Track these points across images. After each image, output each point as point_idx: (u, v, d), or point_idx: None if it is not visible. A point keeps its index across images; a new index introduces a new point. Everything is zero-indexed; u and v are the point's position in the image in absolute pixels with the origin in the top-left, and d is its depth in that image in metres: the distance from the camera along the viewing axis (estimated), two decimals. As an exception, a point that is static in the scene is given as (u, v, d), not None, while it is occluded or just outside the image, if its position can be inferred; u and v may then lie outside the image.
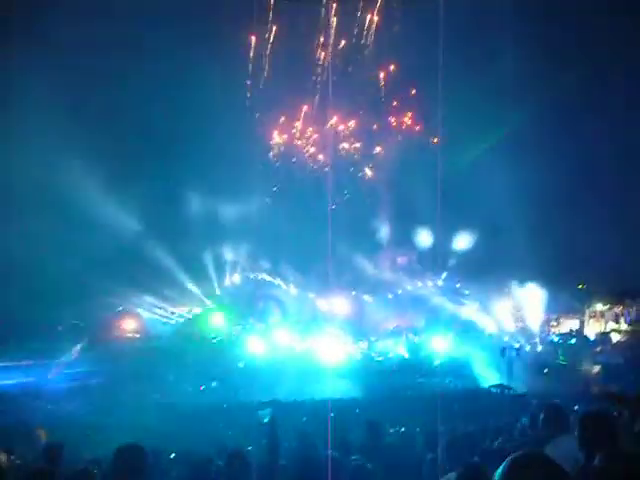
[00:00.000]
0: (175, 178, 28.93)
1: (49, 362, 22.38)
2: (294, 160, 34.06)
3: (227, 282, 31.89)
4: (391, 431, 9.17)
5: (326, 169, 33.58)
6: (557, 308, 27.93)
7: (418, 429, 9.04)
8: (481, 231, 29.69)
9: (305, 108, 33.38)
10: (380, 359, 26.62)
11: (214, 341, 27.20)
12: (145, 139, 27.77)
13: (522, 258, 25.31)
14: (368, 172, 34.42)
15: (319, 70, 32.08)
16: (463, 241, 30.49)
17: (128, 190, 26.11)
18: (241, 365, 24.64)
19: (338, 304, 30.61)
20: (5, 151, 22.52)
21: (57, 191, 23.95)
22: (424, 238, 31.45)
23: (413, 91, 32.99)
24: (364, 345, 28.08)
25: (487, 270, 27.23)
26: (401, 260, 33.14)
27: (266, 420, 8.62)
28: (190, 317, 29.68)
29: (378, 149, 34.37)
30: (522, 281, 27.75)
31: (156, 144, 27.93)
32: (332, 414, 13.34)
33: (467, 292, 29.82)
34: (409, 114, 34.08)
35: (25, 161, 23.39)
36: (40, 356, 22.00)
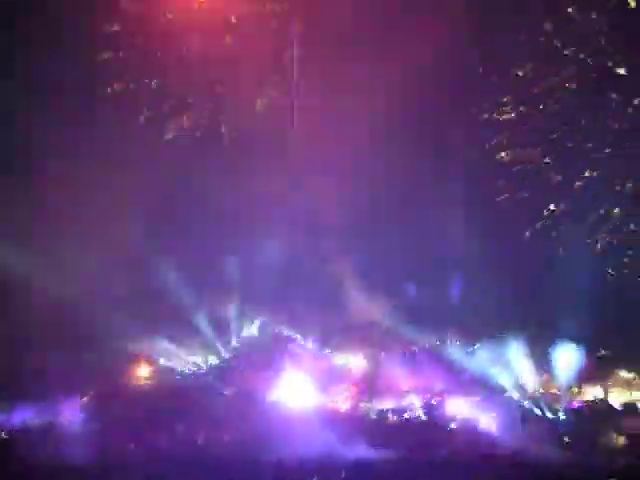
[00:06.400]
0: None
1: (60, 406, 22.51)
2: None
3: (245, 333, 31.48)
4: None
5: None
6: (578, 375, 27.16)
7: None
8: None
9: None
10: (395, 419, 26.27)
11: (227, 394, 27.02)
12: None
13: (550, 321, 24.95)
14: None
15: None
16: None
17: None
18: (255, 418, 24.33)
19: (354, 361, 30.34)
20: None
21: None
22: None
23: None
24: (380, 404, 27.77)
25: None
26: None
27: None
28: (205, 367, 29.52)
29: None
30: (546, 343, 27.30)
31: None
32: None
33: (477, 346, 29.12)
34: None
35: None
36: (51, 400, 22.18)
